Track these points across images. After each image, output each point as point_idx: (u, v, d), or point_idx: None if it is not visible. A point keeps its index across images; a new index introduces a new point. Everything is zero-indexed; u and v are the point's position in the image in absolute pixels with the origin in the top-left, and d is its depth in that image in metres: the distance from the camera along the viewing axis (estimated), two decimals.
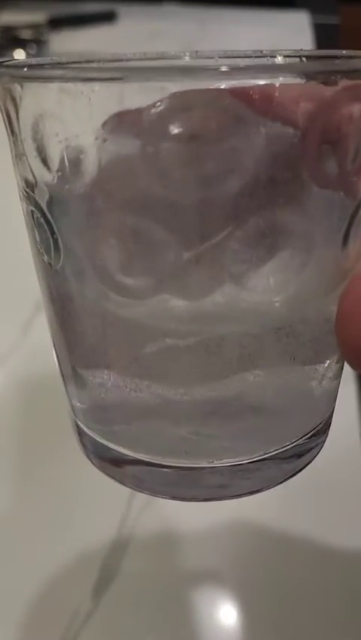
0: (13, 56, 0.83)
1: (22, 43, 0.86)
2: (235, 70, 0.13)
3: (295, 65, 0.16)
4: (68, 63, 0.18)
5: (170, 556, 0.24)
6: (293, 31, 0.99)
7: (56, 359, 0.19)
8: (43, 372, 0.31)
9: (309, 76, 0.13)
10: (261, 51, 0.20)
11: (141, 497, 0.24)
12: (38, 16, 0.97)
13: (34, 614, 0.22)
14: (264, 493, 0.18)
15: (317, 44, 0.96)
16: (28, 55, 0.83)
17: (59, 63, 0.18)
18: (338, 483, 0.27)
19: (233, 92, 0.13)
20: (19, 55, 0.83)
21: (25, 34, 0.89)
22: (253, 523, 0.24)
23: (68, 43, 0.95)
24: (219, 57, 0.20)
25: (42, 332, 0.32)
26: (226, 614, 0.23)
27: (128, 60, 0.19)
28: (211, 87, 0.13)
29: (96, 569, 0.24)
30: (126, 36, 1.00)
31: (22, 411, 0.30)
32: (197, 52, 0.20)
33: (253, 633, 0.22)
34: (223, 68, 0.12)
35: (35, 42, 0.87)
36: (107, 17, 1.08)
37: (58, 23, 1.00)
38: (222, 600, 0.23)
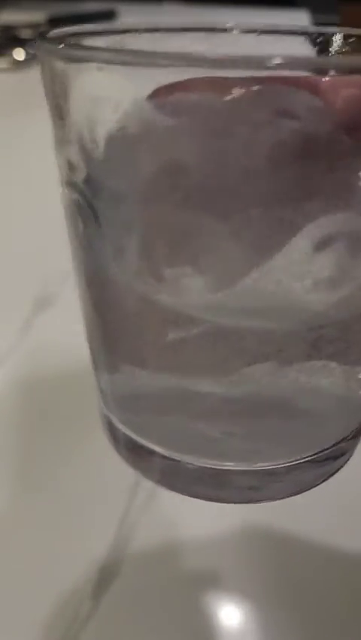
0: (12, 56, 0.83)
1: (22, 43, 0.86)
2: (279, 65, 0.12)
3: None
4: (120, 32, 0.18)
5: (170, 556, 0.24)
6: None
7: (89, 349, 0.18)
8: (43, 372, 0.31)
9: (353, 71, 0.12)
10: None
11: (142, 497, 0.24)
12: (38, 16, 0.98)
13: (35, 615, 0.22)
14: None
15: None
16: (27, 54, 0.83)
17: (106, 32, 0.17)
18: (347, 485, 0.26)
19: (275, 80, 0.12)
20: (19, 54, 0.83)
21: (25, 34, 0.89)
22: (256, 525, 0.24)
23: None
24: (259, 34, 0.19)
25: (42, 332, 0.32)
26: (228, 615, 0.23)
27: (167, 31, 0.19)
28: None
29: (96, 569, 0.24)
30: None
31: (21, 411, 0.30)
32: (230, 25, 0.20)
33: (255, 636, 0.22)
34: (270, 62, 0.12)
35: (35, 41, 0.86)
36: (107, 16, 1.09)
37: (58, 23, 1.00)
38: (223, 602, 0.23)
